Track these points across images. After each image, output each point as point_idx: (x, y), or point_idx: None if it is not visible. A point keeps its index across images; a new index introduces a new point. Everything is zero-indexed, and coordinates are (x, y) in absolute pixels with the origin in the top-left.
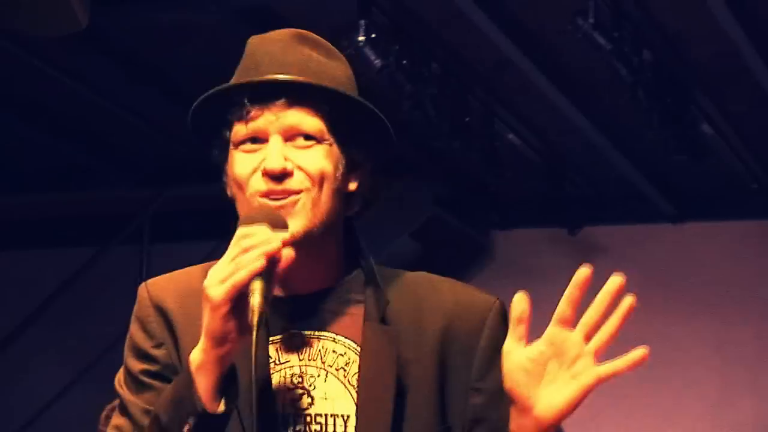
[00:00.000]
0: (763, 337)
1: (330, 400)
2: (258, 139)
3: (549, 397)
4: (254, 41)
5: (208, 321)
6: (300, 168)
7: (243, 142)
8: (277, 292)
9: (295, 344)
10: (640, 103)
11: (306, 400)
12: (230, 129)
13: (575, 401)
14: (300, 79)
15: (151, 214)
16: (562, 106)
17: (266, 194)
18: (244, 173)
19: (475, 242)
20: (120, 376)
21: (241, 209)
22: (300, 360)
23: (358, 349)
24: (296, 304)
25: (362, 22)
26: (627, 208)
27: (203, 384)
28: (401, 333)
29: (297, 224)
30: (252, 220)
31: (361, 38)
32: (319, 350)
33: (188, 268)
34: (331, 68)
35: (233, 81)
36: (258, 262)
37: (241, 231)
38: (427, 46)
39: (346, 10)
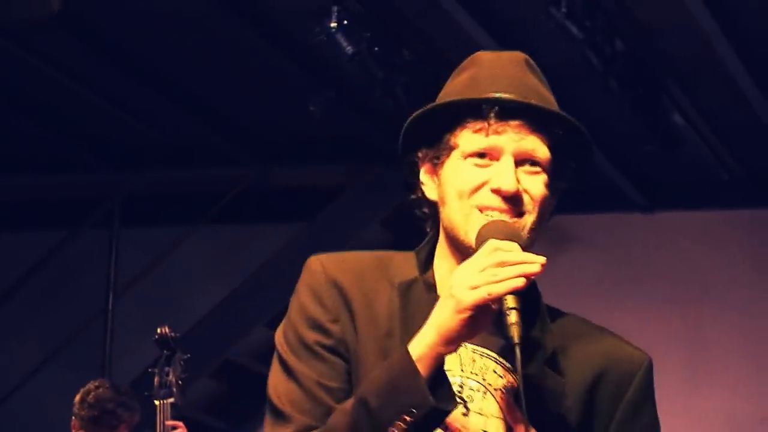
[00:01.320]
0: (734, 326)
1: (484, 416)
2: (491, 155)
3: None
4: (488, 57)
5: (447, 320)
6: (527, 191)
7: (476, 153)
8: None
9: (462, 352)
10: (611, 93)
11: (460, 410)
12: (459, 137)
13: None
14: (553, 109)
15: (122, 198)
16: None
17: (489, 209)
18: (473, 183)
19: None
20: (283, 338)
21: (453, 215)
22: (462, 371)
23: (516, 374)
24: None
25: (334, 8)
26: (598, 197)
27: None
28: (557, 377)
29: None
30: (496, 234)
31: (333, 24)
32: (481, 367)
33: (357, 252)
34: (551, 99)
35: (470, 92)
36: (519, 281)
37: (494, 243)
38: (400, 33)
39: None
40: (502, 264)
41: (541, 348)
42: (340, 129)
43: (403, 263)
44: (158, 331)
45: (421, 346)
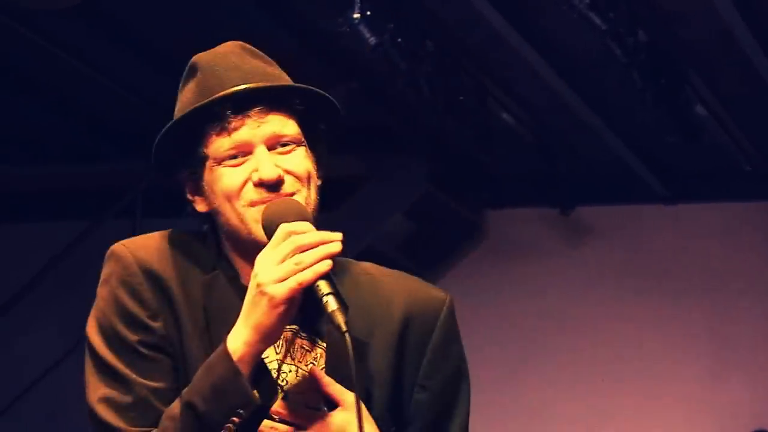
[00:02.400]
0: (756, 318)
1: (301, 395)
2: (242, 152)
3: None
4: (205, 58)
5: (263, 317)
6: (289, 172)
7: (227, 156)
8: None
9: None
10: (634, 84)
11: (279, 394)
12: (206, 146)
13: None
14: (275, 82)
15: (144, 189)
16: (556, 85)
17: (261, 203)
18: (235, 185)
19: (467, 221)
20: (100, 338)
21: (231, 221)
22: (276, 353)
23: (324, 345)
24: None
25: None
26: (620, 188)
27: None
28: (361, 341)
29: None
30: (282, 216)
31: (356, 15)
32: (291, 345)
33: (158, 234)
34: (282, 75)
35: (201, 99)
36: (325, 264)
37: (287, 227)
38: (422, 24)
39: None
40: (302, 248)
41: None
42: (363, 120)
43: (201, 251)
44: None
45: (240, 345)
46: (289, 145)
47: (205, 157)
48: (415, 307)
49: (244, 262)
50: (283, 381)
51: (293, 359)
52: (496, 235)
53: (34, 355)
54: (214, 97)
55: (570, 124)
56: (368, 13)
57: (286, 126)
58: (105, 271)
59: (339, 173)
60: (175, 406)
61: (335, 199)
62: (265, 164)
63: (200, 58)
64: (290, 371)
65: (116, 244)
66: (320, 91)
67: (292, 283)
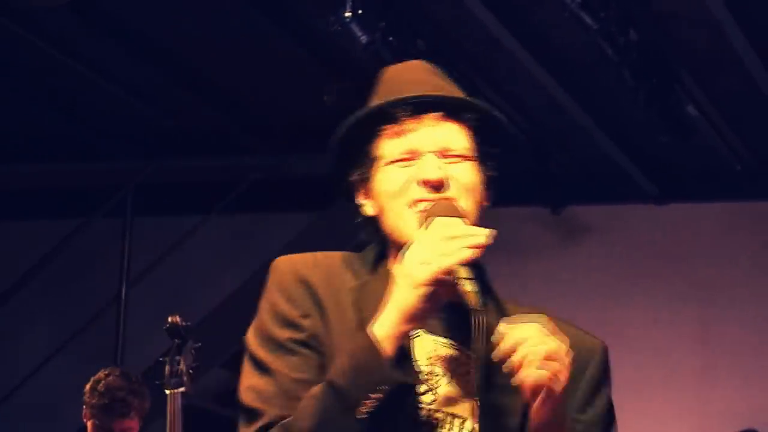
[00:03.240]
0: (747, 317)
1: (452, 401)
2: (412, 155)
3: None
4: (391, 69)
5: (405, 297)
6: (454, 179)
7: (397, 157)
8: None
9: (423, 345)
10: (625, 83)
11: (430, 397)
12: (379, 147)
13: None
14: (454, 94)
15: (135, 187)
16: (548, 85)
17: (422, 202)
18: (400, 183)
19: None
20: (254, 338)
21: (391, 220)
22: (427, 359)
23: (476, 358)
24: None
25: None
26: (611, 187)
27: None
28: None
29: None
30: (441, 213)
31: (347, 14)
32: (444, 354)
33: (323, 252)
34: (460, 93)
35: (380, 101)
36: (467, 252)
37: (440, 221)
38: (414, 22)
39: None
40: (449, 238)
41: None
42: None
43: (357, 264)
44: (169, 320)
45: (383, 326)
46: (457, 156)
47: (377, 158)
48: (572, 345)
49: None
50: (435, 383)
51: (449, 370)
52: None
53: (25, 352)
54: (391, 98)
55: (562, 123)
56: (360, 11)
57: (457, 138)
58: (266, 284)
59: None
60: (316, 388)
61: (326, 199)
62: (431, 164)
63: (387, 69)
64: (443, 375)
65: (278, 258)
66: (496, 112)
67: (433, 266)
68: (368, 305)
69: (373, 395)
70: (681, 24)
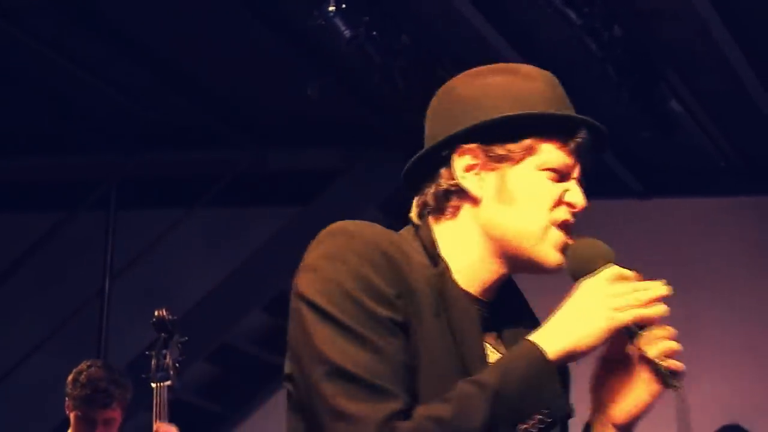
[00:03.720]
0: (730, 314)
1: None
2: (562, 171)
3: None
4: (536, 73)
5: (593, 335)
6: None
7: (552, 169)
8: (470, 289)
9: (496, 348)
10: (609, 79)
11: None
12: (540, 144)
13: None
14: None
15: (119, 181)
16: None
17: (564, 225)
18: (552, 198)
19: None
20: (347, 307)
21: (520, 226)
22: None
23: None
24: (481, 307)
25: None
26: (595, 183)
27: None
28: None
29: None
30: (598, 256)
31: (331, 8)
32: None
33: (375, 225)
34: None
35: (557, 106)
36: (663, 308)
37: (619, 270)
38: (398, 17)
39: None
40: (638, 290)
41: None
42: (338, 113)
43: (416, 244)
44: (156, 313)
45: (555, 348)
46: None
47: (531, 154)
48: None
49: (484, 268)
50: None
51: None
52: None
53: (8, 345)
54: (585, 118)
55: None
56: (344, 6)
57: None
58: (331, 246)
59: (314, 166)
60: (469, 389)
61: (310, 192)
62: (580, 192)
63: (523, 66)
64: None
65: (338, 223)
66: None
67: (629, 315)
68: (449, 300)
69: (538, 416)
70: (666, 21)
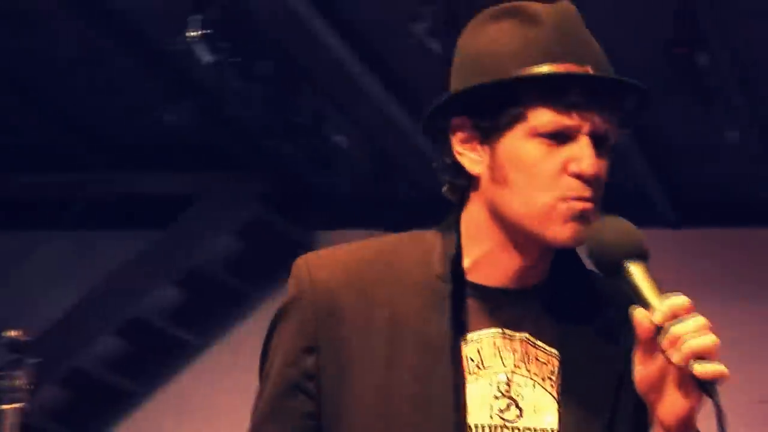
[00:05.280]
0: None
1: (539, 413)
2: (565, 135)
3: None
4: (546, 10)
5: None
6: (600, 176)
7: (548, 133)
8: (487, 280)
9: (501, 346)
10: None
11: (514, 411)
12: (527, 107)
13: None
14: (639, 85)
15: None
16: (392, 109)
17: (577, 199)
18: (551, 169)
19: (298, 242)
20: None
21: (526, 204)
22: (505, 366)
23: (558, 359)
24: (508, 299)
25: (195, 16)
26: (452, 211)
27: None
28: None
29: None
30: (625, 244)
31: (193, 33)
32: (524, 355)
33: (351, 246)
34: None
35: (545, 58)
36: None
37: (678, 300)
38: (260, 44)
39: (178, 4)
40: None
41: (581, 322)
42: (196, 137)
43: (412, 252)
44: (11, 334)
45: None
46: (606, 148)
47: (521, 120)
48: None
49: (488, 252)
50: (517, 395)
51: (528, 372)
52: None
53: None
54: (573, 72)
55: (406, 148)
56: (206, 31)
57: (613, 128)
58: (284, 297)
59: (170, 191)
60: None
61: (165, 217)
62: (590, 156)
63: (529, 5)
64: (525, 385)
65: (299, 259)
66: (647, 93)
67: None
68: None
69: None
70: None
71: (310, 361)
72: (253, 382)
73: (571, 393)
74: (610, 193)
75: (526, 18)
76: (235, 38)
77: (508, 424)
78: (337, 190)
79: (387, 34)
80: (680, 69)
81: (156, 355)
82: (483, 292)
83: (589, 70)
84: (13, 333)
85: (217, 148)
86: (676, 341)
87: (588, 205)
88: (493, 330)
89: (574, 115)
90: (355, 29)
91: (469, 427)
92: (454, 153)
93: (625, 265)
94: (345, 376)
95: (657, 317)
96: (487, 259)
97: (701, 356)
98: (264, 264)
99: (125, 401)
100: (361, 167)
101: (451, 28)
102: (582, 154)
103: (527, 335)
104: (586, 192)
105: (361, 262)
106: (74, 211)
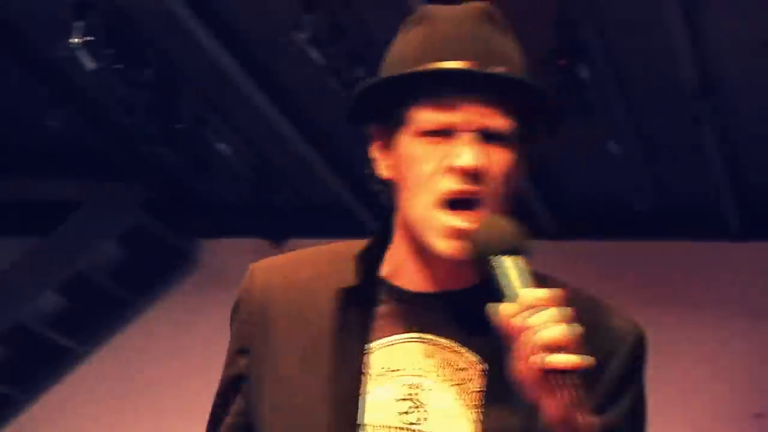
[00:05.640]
0: None
1: (449, 419)
2: (446, 132)
3: None
4: (442, 13)
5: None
6: (490, 169)
7: (429, 131)
8: (409, 284)
9: (416, 350)
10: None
11: (417, 415)
12: (410, 109)
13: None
14: (516, 76)
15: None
16: (273, 117)
17: (457, 194)
18: (429, 167)
19: (180, 249)
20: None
21: (413, 210)
22: (416, 370)
23: (481, 364)
24: (432, 303)
25: (78, 23)
26: (333, 220)
27: None
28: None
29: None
30: (496, 242)
31: (76, 40)
32: (440, 360)
33: (302, 251)
34: (517, 57)
35: (423, 58)
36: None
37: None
38: (143, 51)
39: (61, 10)
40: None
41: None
42: (77, 144)
43: (349, 259)
44: None
45: None
46: (500, 139)
47: (406, 122)
48: (591, 335)
49: (405, 263)
50: (424, 399)
51: (440, 377)
52: (209, 265)
53: None
54: (444, 64)
55: (287, 155)
56: (89, 38)
57: (503, 120)
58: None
59: (52, 197)
60: None
61: (47, 224)
62: (467, 149)
63: (436, 9)
64: (431, 389)
65: (254, 265)
66: (545, 90)
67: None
68: (348, 324)
69: None
70: None
71: (242, 362)
72: (133, 389)
73: (493, 402)
74: None
75: (427, 22)
76: (117, 45)
77: (409, 427)
78: (219, 197)
79: (269, 43)
80: (562, 81)
81: (38, 363)
82: (402, 296)
83: (472, 66)
84: None
85: (100, 154)
86: (528, 334)
87: (466, 219)
88: (409, 334)
89: (455, 112)
90: (238, 37)
91: (369, 427)
92: (374, 160)
93: (491, 261)
94: (265, 378)
95: (509, 310)
96: (406, 264)
97: (552, 348)
98: (146, 271)
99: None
100: (243, 175)
101: (332, 38)
102: (460, 150)
103: (450, 340)
104: (464, 185)
105: (298, 268)
106: None
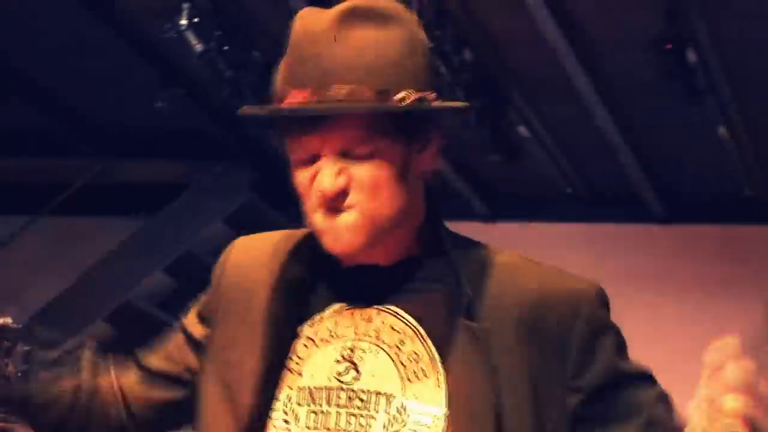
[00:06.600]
0: None
1: (377, 377)
2: (311, 158)
3: None
4: (300, 30)
5: None
6: (355, 181)
7: (298, 161)
8: (349, 261)
9: (355, 318)
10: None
11: (352, 374)
12: (284, 139)
13: None
14: (352, 95)
15: (81, 186)
16: None
17: (322, 212)
18: (307, 198)
19: (288, 230)
20: None
21: (308, 217)
22: (355, 334)
23: (418, 328)
24: (367, 275)
25: (185, 5)
26: (443, 205)
27: None
28: (486, 332)
29: (356, 240)
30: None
31: (183, 21)
32: (378, 325)
33: (280, 231)
34: (385, 48)
35: (285, 87)
36: None
37: None
38: (250, 33)
39: None
40: None
41: (457, 308)
42: (185, 125)
43: (293, 239)
44: None
45: None
46: (364, 154)
47: (287, 149)
48: (545, 301)
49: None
50: (358, 359)
51: (378, 338)
52: None
53: None
54: (275, 113)
55: None
56: (196, 19)
57: (357, 135)
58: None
59: (161, 179)
60: None
61: (155, 205)
62: (324, 174)
63: (303, 20)
64: (368, 351)
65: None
66: (387, 106)
67: None
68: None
69: None
70: (514, 46)
71: (201, 330)
72: None
73: (456, 387)
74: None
75: (291, 36)
76: (224, 27)
77: (344, 386)
78: None
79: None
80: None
81: (144, 342)
82: (342, 271)
83: (310, 95)
84: (3, 320)
85: (208, 136)
86: None
87: (335, 216)
88: (348, 304)
89: (312, 140)
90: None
91: (309, 389)
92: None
93: None
94: (210, 352)
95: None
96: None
97: None
98: None
99: None
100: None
101: (440, 19)
102: (320, 176)
103: (390, 306)
104: (333, 204)
105: (264, 247)
106: (65, 196)
